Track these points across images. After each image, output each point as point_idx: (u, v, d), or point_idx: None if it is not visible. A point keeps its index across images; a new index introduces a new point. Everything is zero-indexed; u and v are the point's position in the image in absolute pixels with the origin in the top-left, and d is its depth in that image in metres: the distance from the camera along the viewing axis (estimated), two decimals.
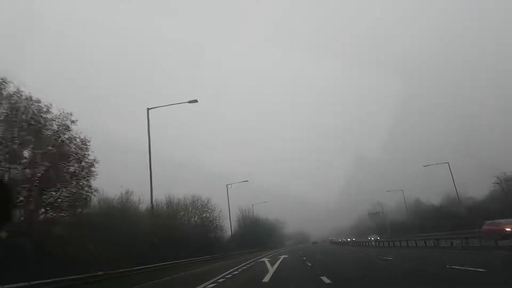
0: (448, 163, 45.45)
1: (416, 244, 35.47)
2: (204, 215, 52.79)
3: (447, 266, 13.72)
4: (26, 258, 14.16)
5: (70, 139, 19.45)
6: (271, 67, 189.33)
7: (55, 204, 18.38)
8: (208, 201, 53.36)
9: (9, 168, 16.27)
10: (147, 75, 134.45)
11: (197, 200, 52.12)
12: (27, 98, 17.86)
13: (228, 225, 55.17)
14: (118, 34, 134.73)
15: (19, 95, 17.54)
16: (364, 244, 59.75)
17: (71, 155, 19.33)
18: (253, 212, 77.86)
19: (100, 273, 17.22)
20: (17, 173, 16.56)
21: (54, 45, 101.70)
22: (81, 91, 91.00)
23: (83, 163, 19.82)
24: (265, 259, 32.24)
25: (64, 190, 18.81)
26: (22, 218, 16.21)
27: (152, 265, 23.25)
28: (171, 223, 35.92)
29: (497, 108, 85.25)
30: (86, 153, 19.98)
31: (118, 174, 45.39)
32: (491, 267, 12.91)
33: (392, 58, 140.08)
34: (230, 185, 51.03)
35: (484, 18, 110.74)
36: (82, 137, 19.96)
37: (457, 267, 12.99)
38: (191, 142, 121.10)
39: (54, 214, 18.63)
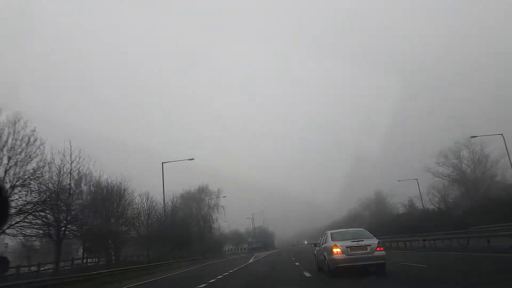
0: (502, 134, 38.93)
1: None
2: None
3: None
4: None
5: None
6: (268, 64, 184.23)
7: None
8: None
9: None
10: None
11: None
12: None
13: None
14: None
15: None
16: None
17: None
18: None
19: None
20: None
21: None
22: None
23: None
24: None
25: None
26: None
27: None
28: None
29: (495, 105, 76.77)
30: None
31: None
32: None
33: (392, 57, 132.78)
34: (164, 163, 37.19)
35: (485, 18, 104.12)
36: None
37: None
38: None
39: None
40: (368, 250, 13.17)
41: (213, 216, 60.54)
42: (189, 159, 40.26)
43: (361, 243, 13.35)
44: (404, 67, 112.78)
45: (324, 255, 14.46)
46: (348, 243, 13.43)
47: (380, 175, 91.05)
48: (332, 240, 14.16)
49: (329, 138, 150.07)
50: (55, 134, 27.74)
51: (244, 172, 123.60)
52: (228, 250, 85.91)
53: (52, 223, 23.63)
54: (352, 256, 13.12)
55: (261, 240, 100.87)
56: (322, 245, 15.75)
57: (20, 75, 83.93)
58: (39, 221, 22.65)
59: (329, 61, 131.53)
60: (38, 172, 21.54)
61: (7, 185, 19.73)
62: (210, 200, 59.01)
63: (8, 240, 29.40)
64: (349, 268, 13.13)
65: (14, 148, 20.41)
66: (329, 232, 15.34)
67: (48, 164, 23.00)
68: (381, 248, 13.37)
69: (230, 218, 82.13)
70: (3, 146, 20.00)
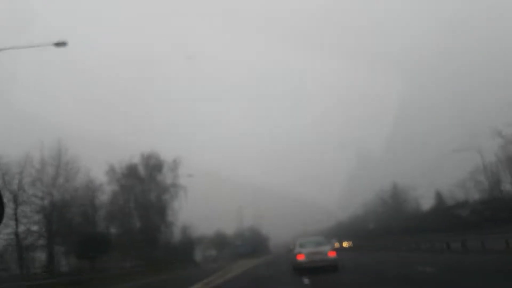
0: None
1: None
2: None
3: None
4: None
5: None
6: (269, 63, 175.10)
7: None
8: None
9: None
10: None
11: None
12: None
13: None
14: None
15: None
16: None
17: None
18: None
19: None
20: None
21: None
22: None
23: None
24: None
25: None
26: None
27: None
28: None
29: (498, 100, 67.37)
30: None
31: None
32: None
33: (393, 54, 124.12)
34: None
35: (486, 18, 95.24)
36: None
37: None
38: None
39: None
40: (323, 254, 17.47)
41: (169, 205, 37.80)
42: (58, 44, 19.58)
43: (318, 249, 17.83)
44: (405, 64, 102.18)
45: (293, 258, 19.16)
46: (309, 249, 18.03)
47: (387, 170, 79.47)
48: (299, 246, 18.85)
49: (329, 136, 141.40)
50: None
51: (242, 171, 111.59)
52: (210, 257, 70.60)
53: None
54: (311, 259, 17.36)
55: (251, 243, 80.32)
56: (293, 250, 20.79)
57: None
58: None
59: (329, 58, 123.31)
60: None
61: None
62: (163, 178, 36.66)
63: None
64: (310, 268, 17.08)
65: None
66: (297, 241, 20.52)
67: None
68: (333, 252, 17.85)
69: (220, 218, 67.98)
70: None
